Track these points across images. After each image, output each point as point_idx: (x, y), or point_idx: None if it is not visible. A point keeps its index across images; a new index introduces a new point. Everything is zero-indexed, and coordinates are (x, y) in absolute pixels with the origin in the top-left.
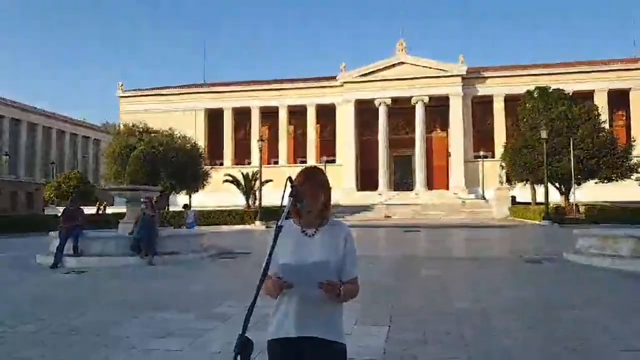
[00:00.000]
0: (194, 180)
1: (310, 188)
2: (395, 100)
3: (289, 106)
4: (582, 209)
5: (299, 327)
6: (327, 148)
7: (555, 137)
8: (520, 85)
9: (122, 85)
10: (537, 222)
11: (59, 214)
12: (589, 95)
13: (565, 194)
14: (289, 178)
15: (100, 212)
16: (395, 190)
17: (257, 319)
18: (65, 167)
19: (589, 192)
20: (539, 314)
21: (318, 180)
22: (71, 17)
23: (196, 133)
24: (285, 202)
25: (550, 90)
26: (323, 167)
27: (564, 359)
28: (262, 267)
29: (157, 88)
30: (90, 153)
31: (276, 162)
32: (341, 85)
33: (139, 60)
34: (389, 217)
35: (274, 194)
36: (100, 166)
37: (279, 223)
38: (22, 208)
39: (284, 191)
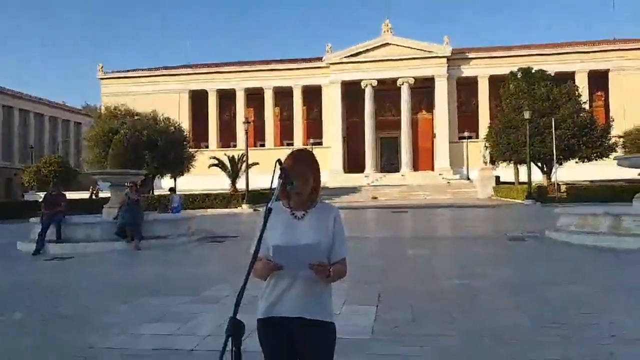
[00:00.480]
0: (179, 164)
1: (300, 170)
2: (381, 81)
3: (274, 88)
4: (563, 188)
5: (289, 308)
6: (314, 130)
7: (538, 118)
8: (504, 66)
9: (102, 67)
10: (520, 201)
11: (40, 200)
12: (570, 76)
13: (547, 173)
14: (278, 160)
15: (94, 197)
16: (382, 171)
17: (247, 301)
18: (45, 152)
19: (570, 172)
20: (525, 291)
21: (308, 163)
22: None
23: (180, 115)
24: (275, 184)
25: (533, 71)
26: (310, 149)
27: (551, 332)
28: (251, 250)
29: (140, 70)
30: (71, 137)
31: (262, 145)
32: (327, 67)
33: (121, 43)
34: (375, 198)
35: (261, 177)
36: (82, 150)
37: (268, 205)
38: (1, 194)
39: (274, 173)
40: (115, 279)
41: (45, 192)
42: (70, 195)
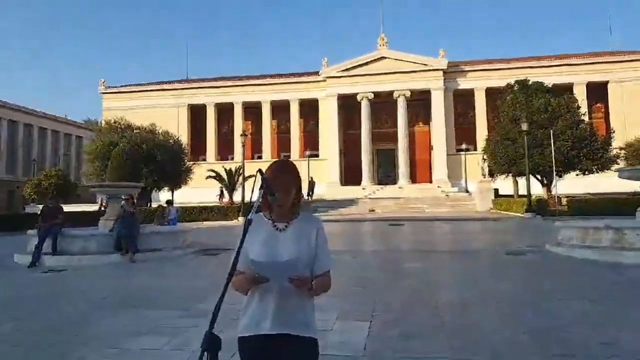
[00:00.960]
0: (177, 177)
1: (282, 181)
2: (377, 94)
3: (272, 101)
4: (564, 200)
5: (271, 325)
6: (311, 143)
7: (536, 130)
8: (501, 79)
9: (104, 82)
10: (519, 214)
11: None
12: (568, 88)
13: (547, 186)
14: (259, 170)
15: (103, 208)
16: (379, 184)
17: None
18: (47, 165)
19: (570, 184)
20: (523, 307)
21: (290, 174)
22: (53, 13)
23: (179, 129)
24: (256, 195)
25: (530, 83)
26: (307, 162)
27: (548, 350)
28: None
29: (140, 84)
30: (72, 150)
31: (260, 157)
32: (324, 80)
33: (122, 58)
34: (373, 210)
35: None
36: (83, 164)
37: (248, 217)
38: (3, 206)
39: (254, 184)
40: (108, 291)
41: (42, 205)
42: (74, 208)
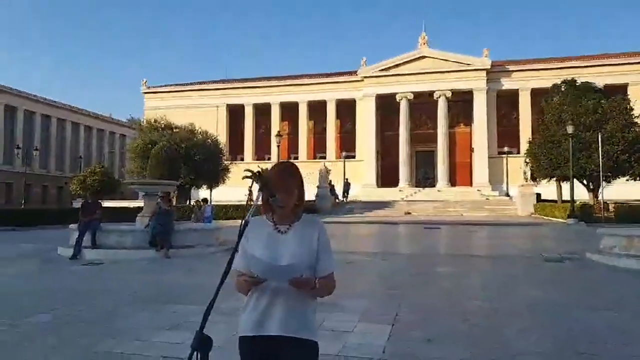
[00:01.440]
0: (214, 176)
1: (284, 183)
2: (417, 94)
3: (309, 101)
4: (611, 207)
5: (271, 326)
6: (347, 143)
7: (583, 132)
8: (548, 79)
9: (145, 81)
10: (562, 220)
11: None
12: (621, 88)
13: (594, 191)
14: (258, 172)
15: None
16: (417, 186)
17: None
18: (92, 162)
19: (619, 190)
20: (554, 316)
21: (291, 175)
22: (100, 16)
23: (217, 128)
24: (255, 197)
25: (579, 84)
26: (343, 163)
27: None
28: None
29: (179, 84)
30: (116, 148)
31: (296, 158)
32: (362, 80)
33: (163, 57)
34: (409, 213)
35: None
36: (126, 161)
37: (245, 218)
38: (53, 201)
39: (251, 185)
40: (140, 286)
41: (82, 201)
42: (116, 204)
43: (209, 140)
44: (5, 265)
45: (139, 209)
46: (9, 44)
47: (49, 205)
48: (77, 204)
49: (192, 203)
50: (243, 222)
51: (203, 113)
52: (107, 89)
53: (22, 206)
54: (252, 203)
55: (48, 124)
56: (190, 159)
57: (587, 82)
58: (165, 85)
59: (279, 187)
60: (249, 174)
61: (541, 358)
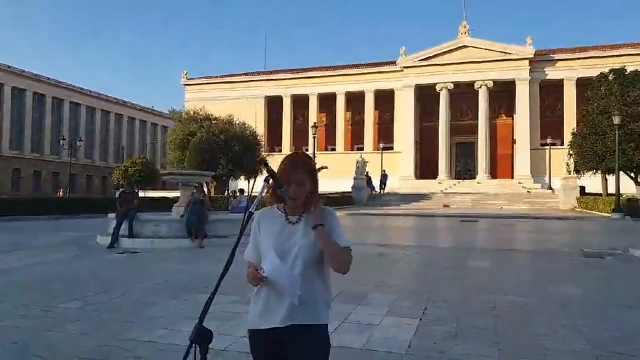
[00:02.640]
0: (252, 167)
1: (295, 175)
2: (457, 85)
3: (346, 92)
4: None
5: (278, 318)
6: (385, 134)
7: (631, 123)
8: (595, 68)
9: (186, 73)
10: (606, 214)
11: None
12: None
13: None
14: (265, 163)
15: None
16: (456, 178)
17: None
18: (135, 153)
19: None
20: (590, 314)
21: (303, 167)
22: (136, 5)
23: (256, 120)
24: (260, 188)
25: (627, 72)
26: (380, 155)
27: None
28: (245, 256)
29: (219, 76)
30: (158, 139)
31: (333, 149)
32: (401, 70)
33: (203, 49)
34: (447, 206)
35: (329, 182)
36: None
37: (250, 209)
38: (97, 191)
39: (256, 176)
40: (172, 274)
41: (120, 190)
42: (156, 194)
43: (247, 132)
44: (44, 252)
45: (178, 199)
46: (55, 36)
47: (93, 194)
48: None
49: (229, 193)
50: (246, 213)
51: (241, 104)
52: (150, 81)
53: (68, 195)
54: (263, 193)
55: (93, 116)
56: (229, 150)
57: (637, 70)
58: (205, 77)
59: (290, 179)
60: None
61: (573, 357)
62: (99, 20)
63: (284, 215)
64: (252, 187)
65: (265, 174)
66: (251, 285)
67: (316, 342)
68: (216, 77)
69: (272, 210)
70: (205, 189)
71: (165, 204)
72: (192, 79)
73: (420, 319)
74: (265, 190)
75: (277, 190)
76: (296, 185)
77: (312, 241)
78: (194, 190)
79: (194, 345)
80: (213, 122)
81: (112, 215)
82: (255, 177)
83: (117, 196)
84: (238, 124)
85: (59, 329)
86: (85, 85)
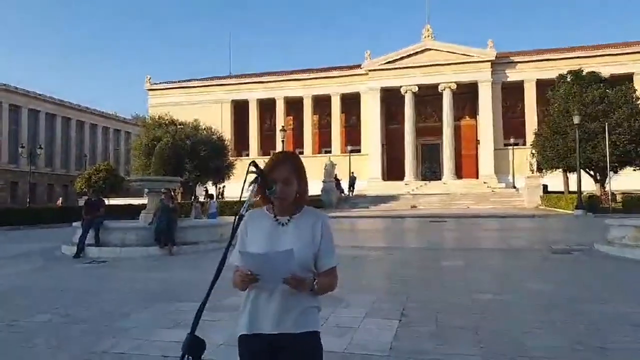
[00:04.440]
0: (220, 172)
1: (283, 173)
2: (422, 87)
3: (313, 96)
4: (618, 197)
5: (268, 324)
6: (353, 137)
7: (589, 123)
8: (553, 70)
9: (149, 78)
10: (569, 211)
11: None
12: (627, 77)
13: (601, 182)
14: (253, 163)
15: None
16: (423, 179)
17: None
18: (98, 160)
19: (627, 180)
20: (564, 309)
21: (291, 165)
22: (99, 10)
23: (222, 124)
24: (248, 189)
25: (584, 74)
26: (348, 157)
27: (591, 357)
28: (231, 260)
29: (184, 81)
30: (121, 145)
31: (301, 152)
32: (366, 74)
33: (166, 54)
34: (415, 207)
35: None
36: (131, 158)
37: (241, 211)
38: (58, 200)
39: (246, 176)
40: (142, 283)
41: (86, 198)
42: (121, 201)
43: (213, 136)
44: (7, 264)
45: (144, 206)
46: (11, 43)
47: (55, 203)
48: (82, 202)
49: (198, 199)
50: (237, 215)
51: (207, 109)
52: (111, 87)
53: (28, 205)
54: (248, 194)
55: (53, 123)
56: (195, 156)
57: (593, 72)
58: (169, 82)
59: (277, 178)
60: (253, 168)
61: (553, 353)
62: (57, 23)
63: (272, 216)
64: (242, 189)
65: (252, 176)
66: (239, 290)
67: (308, 349)
68: (180, 81)
69: (261, 212)
70: (173, 195)
71: (131, 212)
72: (156, 83)
73: (400, 320)
74: (255, 191)
75: (266, 191)
76: (283, 184)
77: (302, 243)
78: (162, 197)
79: (186, 356)
80: (179, 127)
81: (77, 224)
82: (222, 182)
83: (84, 204)
84: (204, 128)
85: (26, 343)
86: (44, 92)
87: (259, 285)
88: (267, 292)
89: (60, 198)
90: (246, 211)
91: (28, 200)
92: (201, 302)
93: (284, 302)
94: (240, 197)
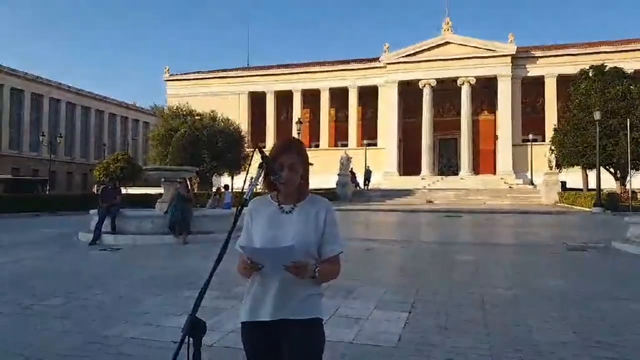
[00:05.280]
0: (236, 163)
1: (288, 159)
2: (440, 81)
3: (330, 88)
4: (639, 195)
5: (270, 311)
6: (369, 131)
7: (610, 119)
8: (575, 65)
9: (168, 69)
10: (587, 208)
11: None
12: None
13: (621, 179)
14: (258, 147)
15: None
16: (439, 174)
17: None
18: (117, 149)
19: None
20: (576, 306)
21: (295, 151)
22: (121, 2)
23: (239, 116)
24: (254, 175)
25: (607, 69)
26: (364, 151)
27: (597, 354)
28: (236, 247)
29: (202, 72)
30: (140, 135)
31: (317, 145)
32: (384, 67)
33: (185, 45)
34: (430, 201)
35: (313, 178)
36: (149, 148)
37: (245, 197)
38: (77, 188)
39: (250, 162)
40: (156, 271)
41: (102, 187)
42: (138, 190)
43: (230, 128)
44: (25, 250)
45: (160, 195)
46: (33, 33)
47: (74, 191)
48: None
49: (214, 189)
50: (242, 202)
51: (225, 100)
52: (132, 77)
53: (47, 192)
54: (252, 181)
55: (73, 112)
56: (212, 146)
57: (616, 67)
58: (188, 73)
59: (282, 163)
60: (259, 154)
61: (562, 348)
62: (81, 15)
63: (276, 203)
64: (246, 177)
65: (258, 161)
66: (242, 277)
67: (310, 336)
68: (199, 72)
69: (266, 199)
70: (189, 185)
71: (148, 200)
72: (174, 74)
73: (410, 312)
74: (260, 177)
75: (272, 177)
76: (288, 169)
77: (306, 231)
78: (178, 186)
79: (187, 337)
80: (196, 117)
81: (93, 211)
82: (239, 173)
83: (98, 192)
84: (221, 119)
85: (41, 326)
86: (65, 81)
87: (262, 273)
88: (270, 279)
89: (95, 185)
90: (251, 198)
91: (48, 187)
92: (202, 286)
93: (284, 289)
94: (244, 186)
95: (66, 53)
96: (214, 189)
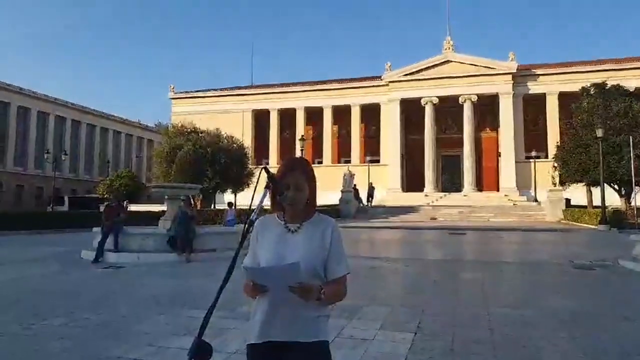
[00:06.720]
0: (240, 180)
1: (294, 179)
2: (442, 99)
3: (333, 106)
4: None
5: (276, 332)
6: (372, 148)
7: (613, 136)
8: (576, 83)
9: (173, 87)
10: (592, 226)
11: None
12: None
13: (626, 196)
14: (265, 168)
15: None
16: (443, 191)
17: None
18: (121, 166)
19: None
20: (584, 324)
21: (301, 170)
22: (126, 21)
23: (243, 133)
24: (260, 195)
25: (609, 87)
26: (367, 168)
27: None
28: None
29: (206, 90)
30: (144, 153)
31: (320, 162)
32: (386, 85)
33: (190, 63)
34: (434, 218)
35: (317, 194)
36: (153, 166)
37: (251, 217)
38: (81, 204)
39: (257, 182)
40: (159, 290)
41: (106, 204)
42: (141, 207)
43: (234, 145)
44: (27, 268)
45: (164, 212)
46: (38, 52)
47: (77, 209)
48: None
49: (217, 207)
50: (248, 221)
51: (229, 118)
52: (136, 96)
53: (51, 209)
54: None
55: (78, 130)
56: (216, 163)
57: (617, 84)
58: (192, 91)
59: (289, 183)
60: (265, 174)
61: None
62: (82, 36)
63: (283, 223)
64: (253, 195)
65: (264, 181)
66: (249, 298)
67: (317, 359)
68: (203, 90)
69: (272, 219)
70: (192, 202)
71: (151, 218)
72: (179, 92)
73: (415, 333)
74: (270, 197)
75: (278, 196)
76: (295, 189)
77: (311, 250)
78: (181, 204)
79: None
80: (200, 135)
81: (97, 229)
82: (242, 190)
83: (103, 209)
84: (225, 137)
85: (40, 347)
86: (71, 99)
87: (268, 294)
88: (276, 300)
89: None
90: (257, 217)
91: (52, 204)
92: (209, 307)
93: (292, 311)
94: (251, 204)
95: (71, 72)
96: (225, 206)
